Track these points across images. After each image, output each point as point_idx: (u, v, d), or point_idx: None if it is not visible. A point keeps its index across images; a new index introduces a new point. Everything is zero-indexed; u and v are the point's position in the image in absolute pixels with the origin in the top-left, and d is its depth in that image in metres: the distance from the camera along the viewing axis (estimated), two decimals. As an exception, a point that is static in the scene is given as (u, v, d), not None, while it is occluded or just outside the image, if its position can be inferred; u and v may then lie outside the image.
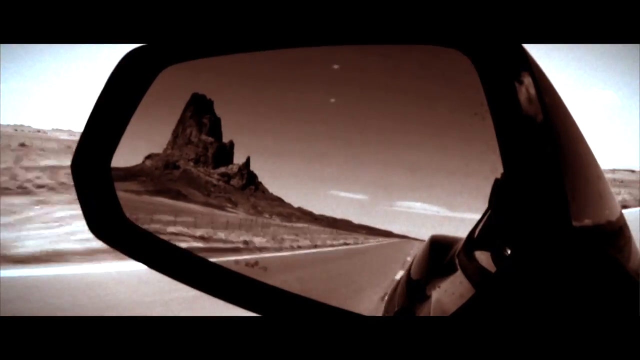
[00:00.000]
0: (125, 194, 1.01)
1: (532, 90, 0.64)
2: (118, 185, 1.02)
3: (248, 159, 0.85)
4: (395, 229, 0.83)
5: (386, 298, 0.84)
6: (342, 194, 0.81)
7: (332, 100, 0.87)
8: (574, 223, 0.61)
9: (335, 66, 0.88)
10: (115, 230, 1.01)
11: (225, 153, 0.87)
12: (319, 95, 0.89)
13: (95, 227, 1.00)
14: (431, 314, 0.78)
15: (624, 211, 0.81)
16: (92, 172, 1.00)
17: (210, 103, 0.85)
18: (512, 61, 0.65)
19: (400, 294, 0.84)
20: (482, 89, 0.67)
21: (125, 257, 1.00)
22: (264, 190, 0.86)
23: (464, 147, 0.76)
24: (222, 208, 0.94)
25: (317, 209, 0.84)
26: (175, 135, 0.90)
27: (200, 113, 0.86)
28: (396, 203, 0.81)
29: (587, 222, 0.68)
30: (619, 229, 0.78)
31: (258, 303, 0.86)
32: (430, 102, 0.81)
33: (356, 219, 0.82)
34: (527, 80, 0.64)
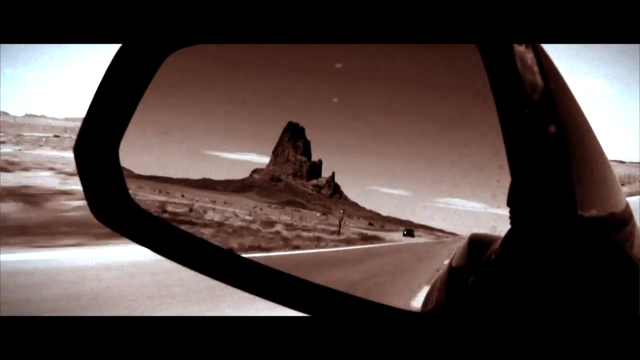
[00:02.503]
0: (266, 207, 1.09)
1: (539, 79, 0.60)
2: (248, 196, 1.10)
3: (333, 174, 0.97)
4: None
5: (425, 295, 0.82)
6: (383, 189, 0.86)
7: (335, 100, 0.93)
8: (580, 211, 0.58)
9: (337, 64, 0.92)
10: (123, 215, 0.96)
11: (315, 169, 1.00)
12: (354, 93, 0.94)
13: (101, 212, 0.93)
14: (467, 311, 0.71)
15: (630, 199, 0.75)
16: (98, 156, 0.93)
17: (302, 129, 0.95)
18: (520, 51, 0.61)
19: (439, 291, 0.82)
20: (487, 74, 0.63)
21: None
22: (346, 197, 0.97)
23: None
24: (324, 213, 1.05)
25: (383, 210, 0.90)
26: (276, 155, 1.02)
27: (295, 138, 0.98)
28: (438, 199, 0.83)
29: (593, 210, 0.63)
30: (624, 217, 0.73)
31: (276, 292, 0.82)
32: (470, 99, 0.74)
33: (409, 217, 0.86)
34: (533, 65, 0.60)
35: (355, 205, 0.96)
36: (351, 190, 0.96)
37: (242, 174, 1.07)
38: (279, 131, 0.99)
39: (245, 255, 0.95)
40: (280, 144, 1.00)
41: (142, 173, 1.14)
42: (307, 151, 0.99)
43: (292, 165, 1.04)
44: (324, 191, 1.01)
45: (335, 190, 0.99)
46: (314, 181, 1.02)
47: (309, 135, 0.96)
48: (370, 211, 0.93)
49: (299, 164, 1.03)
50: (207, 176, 1.11)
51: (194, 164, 1.08)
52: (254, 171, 1.07)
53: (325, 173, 0.99)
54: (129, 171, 1.09)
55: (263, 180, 1.07)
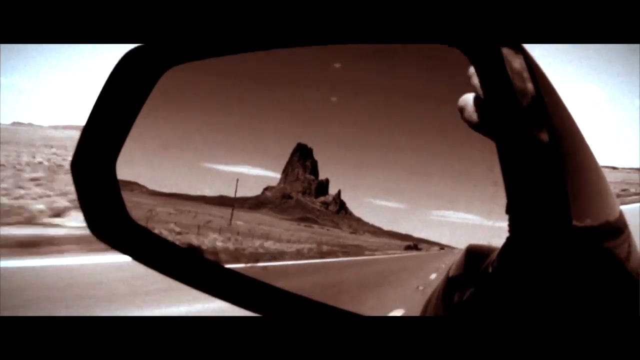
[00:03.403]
0: (282, 221, 1.12)
1: (531, 88, 0.57)
2: (263, 212, 1.12)
3: (339, 191, 1.01)
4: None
5: (422, 306, 0.81)
6: (378, 202, 0.87)
7: (334, 99, 0.96)
8: (574, 222, 0.55)
9: (337, 65, 0.93)
10: (120, 232, 0.93)
11: (323, 187, 1.03)
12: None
13: (98, 228, 0.90)
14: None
15: (623, 207, 0.72)
16: (95, 172, 0.91)
17: (310, 150, 0.98)
18: (510, 58, 0.58)
19: (436, 302, 0.80)
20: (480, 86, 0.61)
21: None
22: (351, 213, 1.00)
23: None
24: (336, 228, 1.08)
25: (382, 224, 0.92)
26: (286, 174, 1.05)
27: (304, 158, 1.01)
28: (433, 212, 0.82)
29: (587, 220, 0.61)
30: (619, 226, 0.70)
31: (276, 307, 0.81)
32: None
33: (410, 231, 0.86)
34: (526, 76, 0.57)
35: (359, 220, 0.98)
36: (351, 205, 0.98)
37: (251, 188, 1.09)
38: (275, 140, 1.03)
39: (244, 274, 0.94)
40: (290, 163, 1.03)
41: (160, 190, 1.15)
42: (314, 170, 1.02)
43: (301, 184, 1.06)
44: (331, 207, 1.04)
45: (341, 206, 1.01)
46: (322, 198, 1.05)
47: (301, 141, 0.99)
48: (373, 226, 0.95)
49: (307, 182, 1.05)
50: (223, 193, 1.11)
51: (196, 178, 1.09)
52: (266, 189, 1.09)
53: (331, 190, 1.02)
54: (144, 187, 1.10)
55: (275, 197, 1.10)
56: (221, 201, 1.13)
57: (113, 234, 0.92)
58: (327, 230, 1.06)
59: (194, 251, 1.02)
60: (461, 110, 0.64)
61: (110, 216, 0.93)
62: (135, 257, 0.89)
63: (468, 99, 0.63)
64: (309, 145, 0.97)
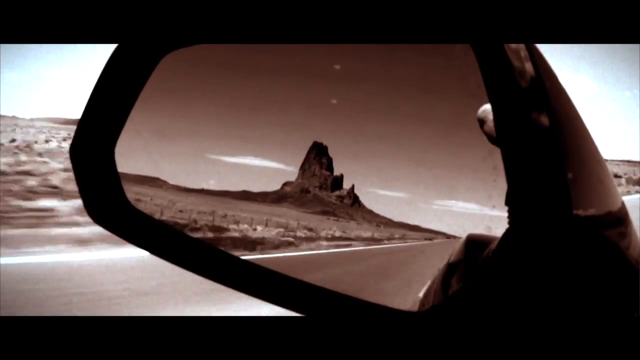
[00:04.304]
0: (304, 214, 1.15)
1: (532, 74, 0.55)
2: (285, 206, 1.15)
3: (353, 186, 1.04)
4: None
5: (421, 295, 0.80)
6: (381, 192, 0.90)
7: (334, 101, 0.98)
8: (575, 210, 0.54)
9: (337, 66, 0.94)
10: (119, 216, 0.91)
11: (338, 181, 1.08)
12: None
13: (97, 212, 0.88)
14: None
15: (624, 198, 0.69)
16: (93, 157, 0.89)
17: (326, 148, 1.02)
18: (512, 48, 0.56)
19: (436, 291, 0.79)
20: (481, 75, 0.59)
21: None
22: (363, 206, 1.05)
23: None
24: (353, 220, 1.12)
25: (392, 216, 0.95)
26: (303, 170, 1.08)
27: (320, 155, 1.04)
28: (437, 202, 0.82)
29: (588, 209, 0.59)
30: (620, 216, 0.68)
31: (271, 292, 0.78)
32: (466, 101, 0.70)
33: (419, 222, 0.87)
34: (528, 65, 0.56)
35: (371, 212, 1.02)
36: (362, 198, 1.02)
37: (268, 182, 1.10)
38: (286, 135, 1.05)
39: (243, 257, 0.94)
40: (307, 160, 1.07)
41: (184, 185, 1.15)
42: (330, 166, 1.06)
43: (318, 179, 1.10)
44: (345, 201, 1.08)
45: (354, 200, 1.06)
46: (337, 192, 1.09)
47: (306, 135, 1.01)
48: (384, 217, 0.99)
49: (323, 177, 1.09)
50: (245, 188, 1.13)
51: (206, 171, 1.09)
52: (285, 184, 1.13)
53: (345, 185, 1.06)
54: (164, 182, 1.11)
55: (294, 191, 1.14)
56: (246, 196, 1.14)
57: (112, 219, 0.90)
58: (358, 224, 1.09)
59: (197, 238, 1.02)
60: (481, 122, 0.62)
61: (109, 201, 0.91)
62: (134, 242, 0.88)
63: (488, 110, 0.61)
64: (317, 139, 1.00)
